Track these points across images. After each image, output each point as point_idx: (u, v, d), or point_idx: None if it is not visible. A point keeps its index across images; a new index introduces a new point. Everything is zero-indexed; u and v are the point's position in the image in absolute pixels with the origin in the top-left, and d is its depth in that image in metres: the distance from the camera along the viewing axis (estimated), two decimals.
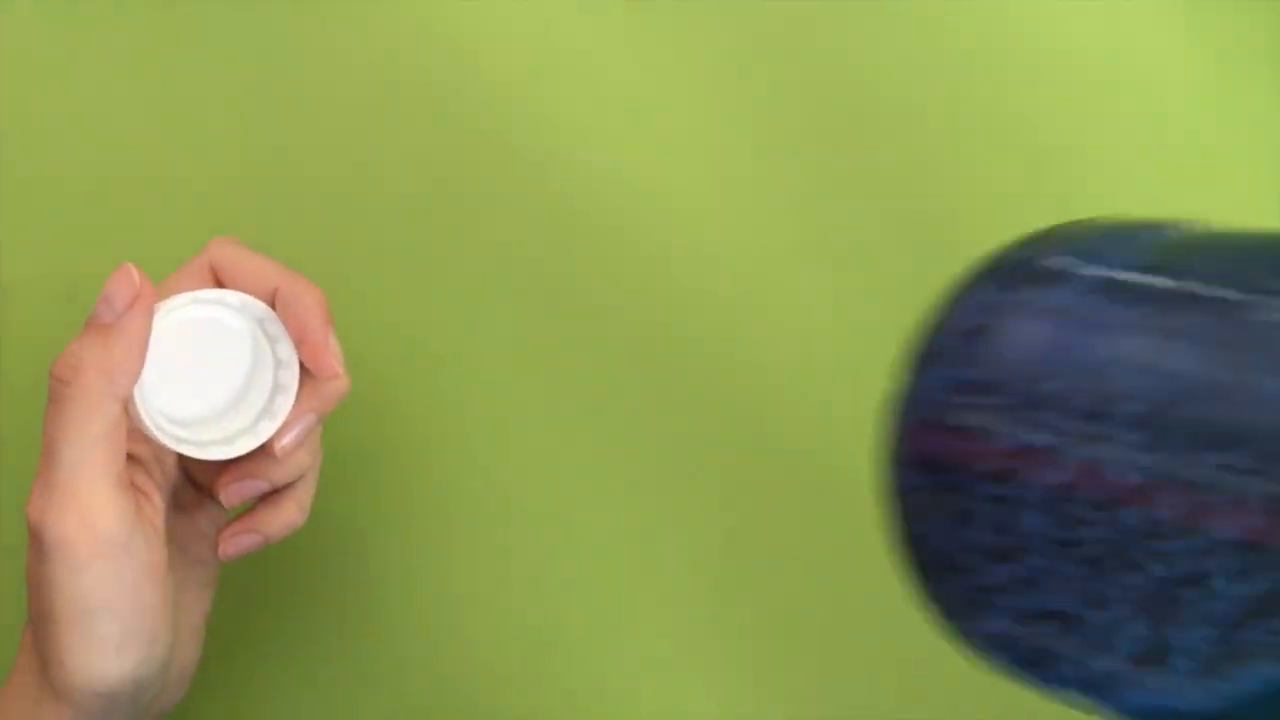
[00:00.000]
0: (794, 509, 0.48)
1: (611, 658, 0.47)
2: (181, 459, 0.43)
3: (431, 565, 0.49)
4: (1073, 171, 0.49)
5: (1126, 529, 0.23)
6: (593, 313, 0.50)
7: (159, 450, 0.42)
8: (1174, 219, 0.27)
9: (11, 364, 0.52)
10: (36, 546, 0.39)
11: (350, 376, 0.43)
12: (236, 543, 0.43)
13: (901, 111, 0.50)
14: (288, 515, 0.43)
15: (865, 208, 0.49)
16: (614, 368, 0.49)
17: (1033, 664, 0.25)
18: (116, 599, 0.39)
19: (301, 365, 0.42)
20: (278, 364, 0.42)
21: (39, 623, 0.40)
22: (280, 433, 0.41)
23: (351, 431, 0.50)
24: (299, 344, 0.41)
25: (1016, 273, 0.26)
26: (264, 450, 0.41)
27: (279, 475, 0.42)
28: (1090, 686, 0.24)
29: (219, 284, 0.42)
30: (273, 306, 0.41)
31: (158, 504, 0.41)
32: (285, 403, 0.42)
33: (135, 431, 0.40)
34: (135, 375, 0.39)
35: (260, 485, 0.42)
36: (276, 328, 0.41)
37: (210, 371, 0.42)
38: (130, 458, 0.40)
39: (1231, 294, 0.24)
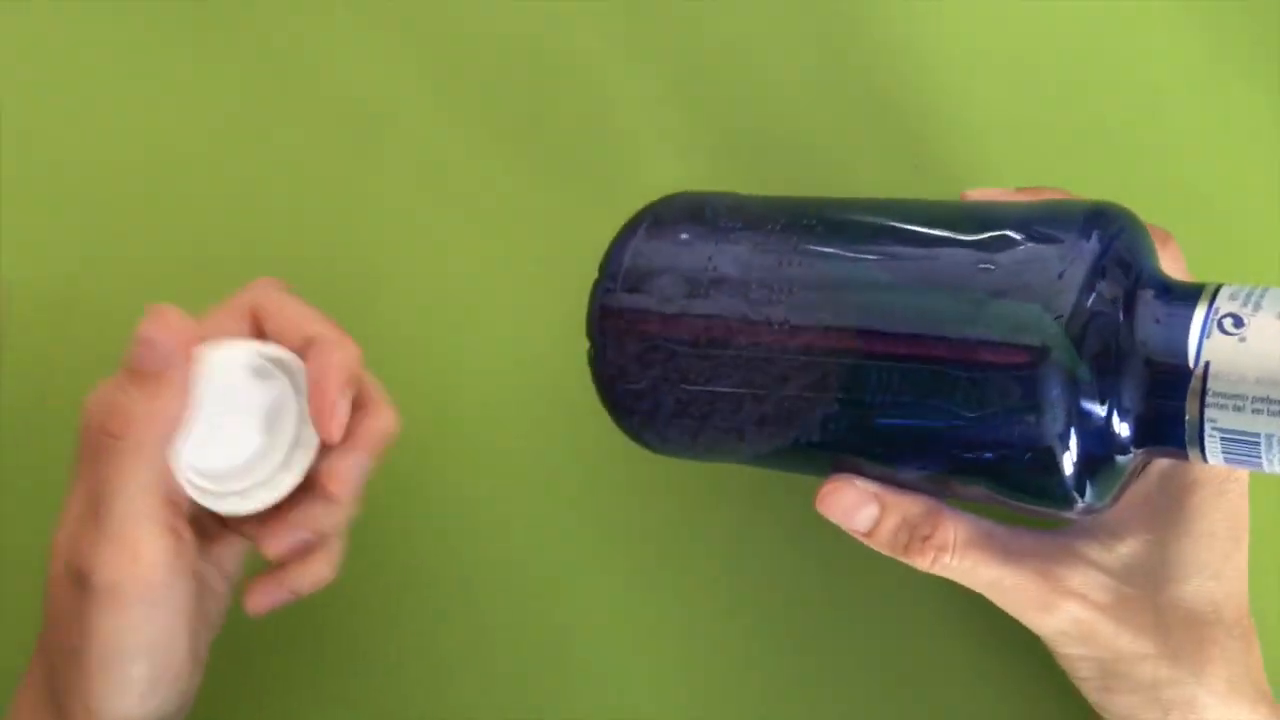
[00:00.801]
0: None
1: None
2: None
3: (432, 566, 0.49)
4: (1073, 171, 0.49)
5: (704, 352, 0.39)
6: None
7: None
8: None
9: (11, 364, 0.52)
10: (79, 588, 0.38)
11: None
12: (266, 598, 0.42)
13: (901, 111, 0.51)
14: (319, 571, 0.42)
15: None
16: None
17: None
18: (152, 643, 0.39)
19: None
20: (302, 419, 0.42)
21: (65, 662, 0.39)
22: (333, 473, 0.40)
23: None
24: (310, 400, 0.41)
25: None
26: (314, 493, 0.41)
27: (323, 523, 0.41)
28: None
29: (257, 327, 0.42)
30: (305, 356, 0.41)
31: (189, 542, 0.41)
32: (305, 458, 0.41)
33: None
34: (181, 424, 0.39)
35: (304, 535, 0.41)
36: (304, 381, 0.41)
37: (236, 421, 0.41)
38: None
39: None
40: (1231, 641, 0.38)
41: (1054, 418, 0.34)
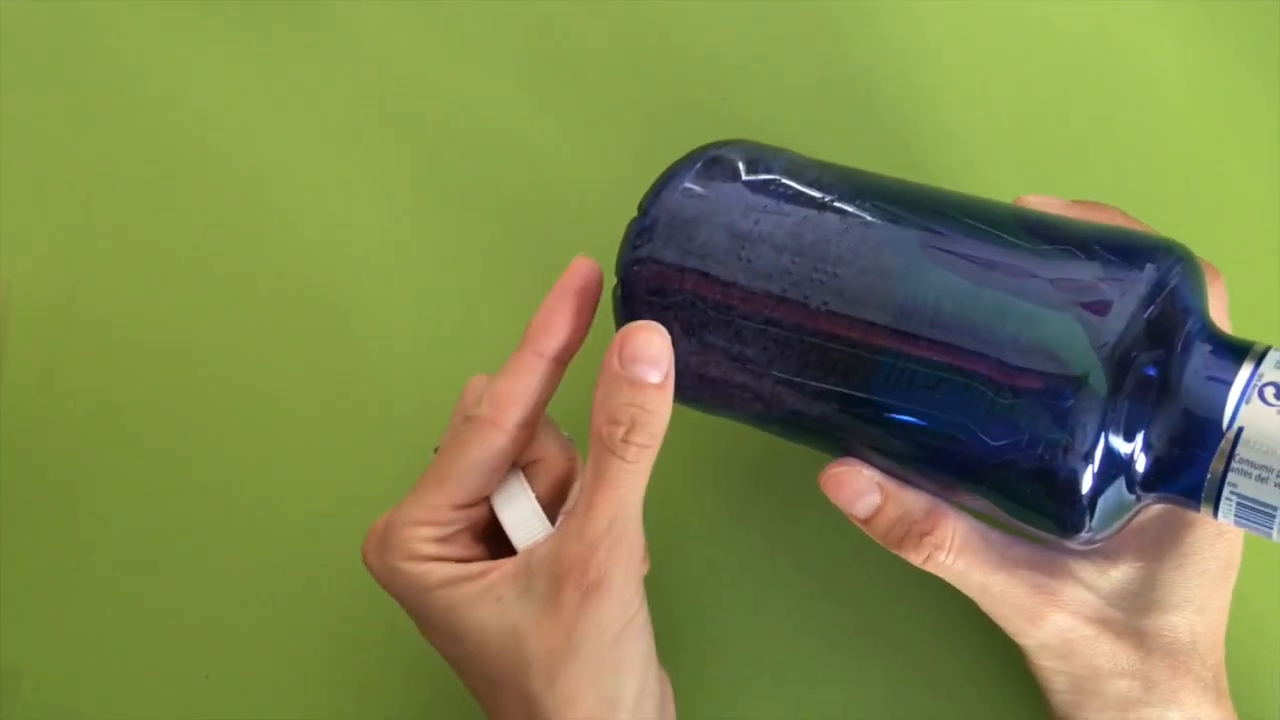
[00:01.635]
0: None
1: None
2: None
3: None
4: (1072, 171, 0.50)
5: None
6: None
7: None
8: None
9: (12, 364, 0.52)
10: (579, 592, 0.38)
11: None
12: None
13: (900, 111, 0.51)
14: None
15: None
16: None
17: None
18: (649, 648, 0.40)
19: None
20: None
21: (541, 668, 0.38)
22: None
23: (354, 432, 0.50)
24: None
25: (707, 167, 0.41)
26: None
27: None
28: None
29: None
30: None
31: None
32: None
33: None
34: None
35: None
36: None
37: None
38: None
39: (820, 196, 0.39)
40: (1205, 672, 0.39)
41: (1080, 447, 0.33)
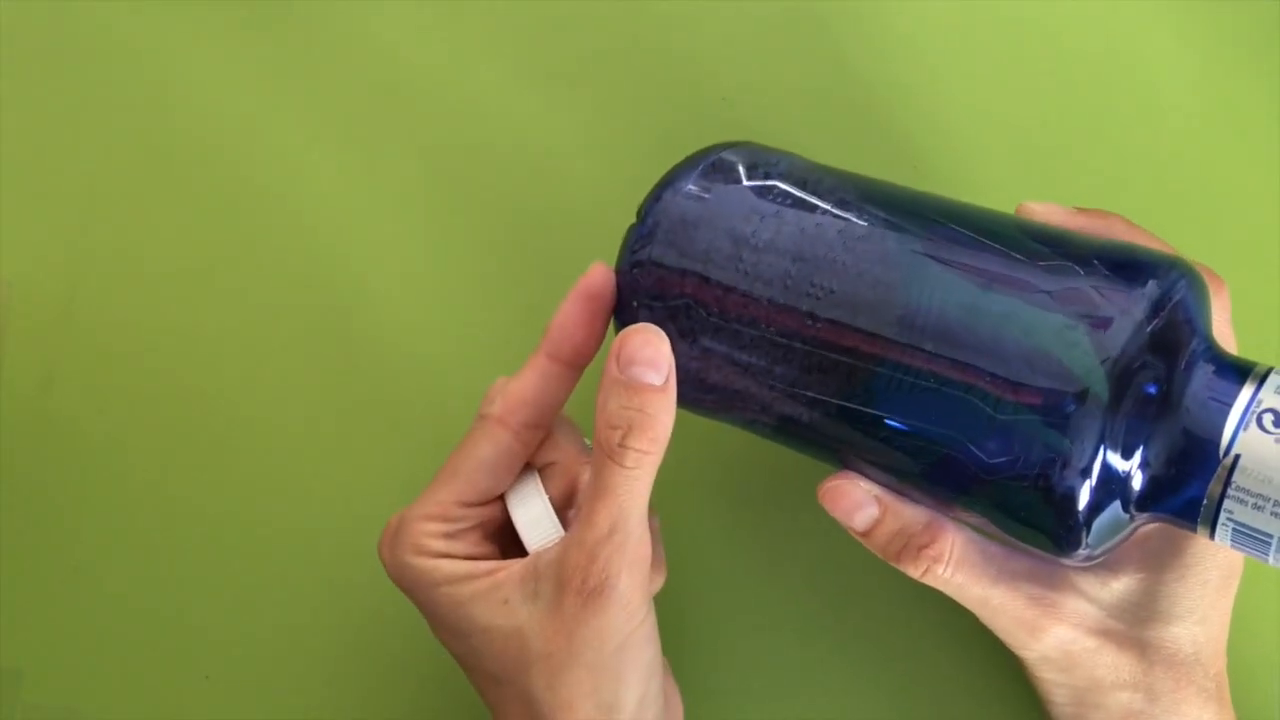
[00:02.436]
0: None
1: None
2: None
3: None
4: (1072, 174, 0.50)
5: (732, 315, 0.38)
6: None
7: None
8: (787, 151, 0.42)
9: (11, 364, 0.52)
10: (593, 604, 0.38)
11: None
12: None
13: (900, 113, 0.51)
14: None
15: None
16: None
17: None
18: (655, 654, 0.40)
19: None
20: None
21: (537, 670, 0.38)
22: None
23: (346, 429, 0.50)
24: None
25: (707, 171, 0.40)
26: None
27: None
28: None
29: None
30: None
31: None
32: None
33: None
34: None
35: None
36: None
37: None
38: None
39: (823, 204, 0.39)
40: (1208, 682, 0.39)
41: (1078, 462, 0.33)
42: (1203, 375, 0.34)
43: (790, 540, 0.47)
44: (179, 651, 0.49)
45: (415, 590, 0.40)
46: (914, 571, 0.38)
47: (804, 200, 0.38)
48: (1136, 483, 0.34)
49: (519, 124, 0.52)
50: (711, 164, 0.40)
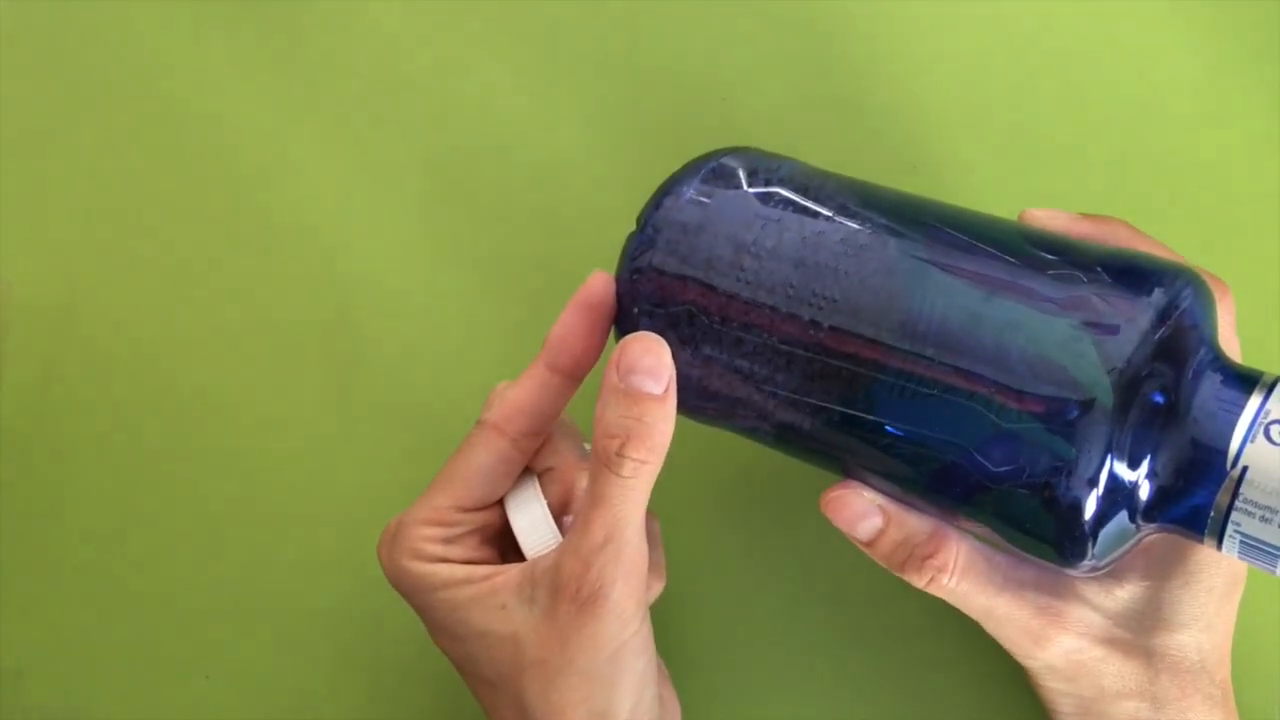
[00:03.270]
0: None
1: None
2: None
3: None
4: (1071, 173, 0.49)
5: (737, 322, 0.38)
6: None
7: None
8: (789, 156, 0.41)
9: (12, 364, 0.52)
10: (574, 605, 0.38)
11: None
12: None
13: (899, 113, 0.50)
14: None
15: None
16: None
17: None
18: (648, 665, 0.39)
19: None
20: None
21: (531, 678, 0.38)
22: None
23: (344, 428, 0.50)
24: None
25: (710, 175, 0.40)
26: None
27: None
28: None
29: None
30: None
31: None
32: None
33: None
34: None
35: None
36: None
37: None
38: None
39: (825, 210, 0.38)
40: (1213, 689, 0.39)
41: (1084, 471, 0.32)
42: (1210, 385, 0.34)
43: (791, 546, 0.47)
44: (179, 651, 0.49)
45: (413, 594, 0.40)
46: (918, 581, 0.38)
47: (805, 206, 0.38)
48: (1143, 493, 0.33)
49: (518, 124, 0.52)
50: (712, 170, 0.40)
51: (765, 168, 0.40)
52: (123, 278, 0.52)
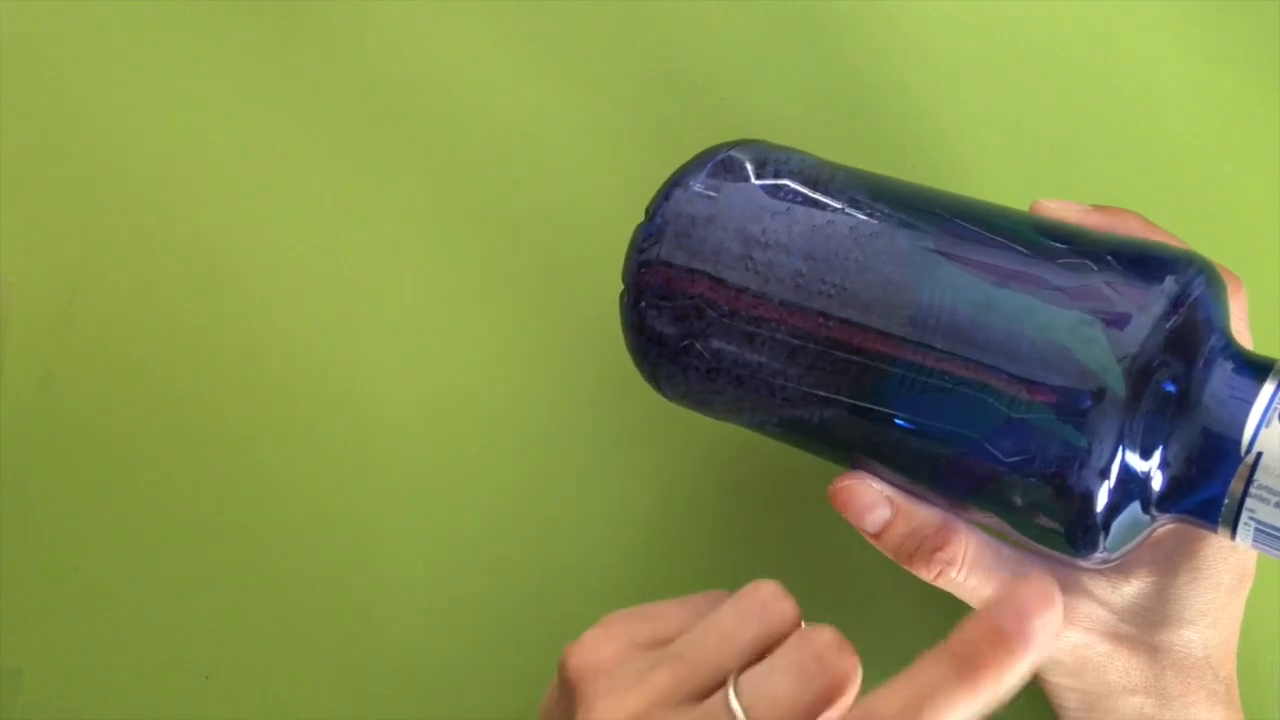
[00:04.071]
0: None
1: None
2: None
3: (430, 567, 0.49)
4: (1071, 171, 0.50)
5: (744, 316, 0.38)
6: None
7: None
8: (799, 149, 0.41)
9: (12, 364, 0.52)
10: None
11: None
12: None
13: (899, 112, 0.51)
14: None
15: None
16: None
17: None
18: None
19: None
20: None
21: None
22: None
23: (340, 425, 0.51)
24: None
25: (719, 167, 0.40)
26: None
27: None
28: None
29: None
30: None
31: None
32: None
33: None
34: None
35: None
36: None
37: None
38: None
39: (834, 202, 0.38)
40: (1217, 685, 0.39)
41: (1096, 462, 0.32)
42: (1222, 373, 0.33)
43: (795, 543, 0.47)
44: (179, 651, 0.49)
45: None
46: (926, 574, 0.38)
47: (814, 198, 0.38)
48: (1155, 482, 0.33)
49: (517, 124, 0.52)
50: (720, 162, 0.40)
51: (774, 159, 0.40)
52: (123, 277, 0.52)
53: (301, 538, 0.50)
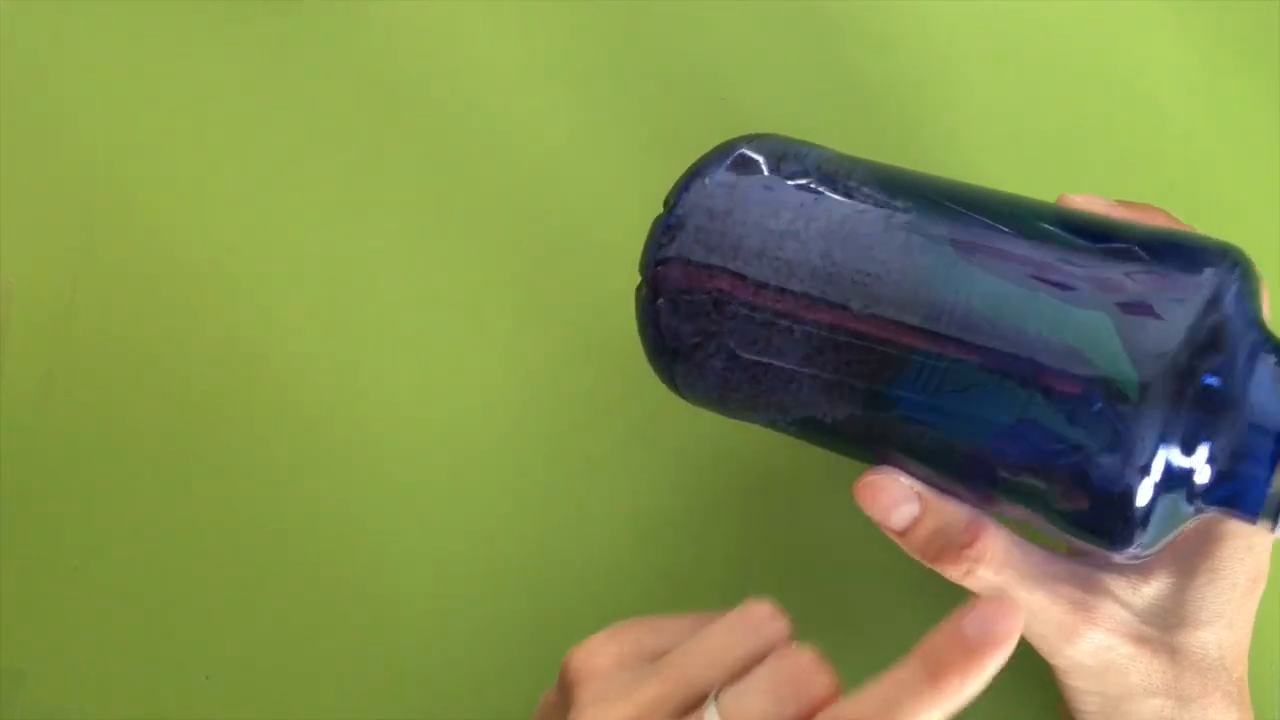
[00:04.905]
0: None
1: None
2: None
3: (433, 567, 0.49)
4: (1070, 170, 0.50)
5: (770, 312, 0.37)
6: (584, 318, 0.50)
7: None
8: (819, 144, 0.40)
9: (12, 364, 0.52)
10: None
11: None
12: None
13: (899, 112, 0.51)
14: None
15: None
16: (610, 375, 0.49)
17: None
18: None
19: None
20: None
21: None
22: None
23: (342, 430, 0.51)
24: None
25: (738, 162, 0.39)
26: None
27: None
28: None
29: None
30: None
31: None
32: None
33: None
34: None
35: None
36: None
37: None
38: None
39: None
40: (1231, 686, 0.39)
41: (1137, 458, 0.32)
42: (1265, 366, 0.33)
43: (805, 546, 0.47)
44: (179, 651, 0.49)
45: None
46: (955, 573, 0.37)
47: (834, 191, 0.38)
48: (1196, 476, 0.33)
49: (516, 124, 0.52)
50: (738, 156, 0.39)
51: (793, 153, 0.39)
52: (123, 278, 0.52)
53: (303, 538, 0.50)
